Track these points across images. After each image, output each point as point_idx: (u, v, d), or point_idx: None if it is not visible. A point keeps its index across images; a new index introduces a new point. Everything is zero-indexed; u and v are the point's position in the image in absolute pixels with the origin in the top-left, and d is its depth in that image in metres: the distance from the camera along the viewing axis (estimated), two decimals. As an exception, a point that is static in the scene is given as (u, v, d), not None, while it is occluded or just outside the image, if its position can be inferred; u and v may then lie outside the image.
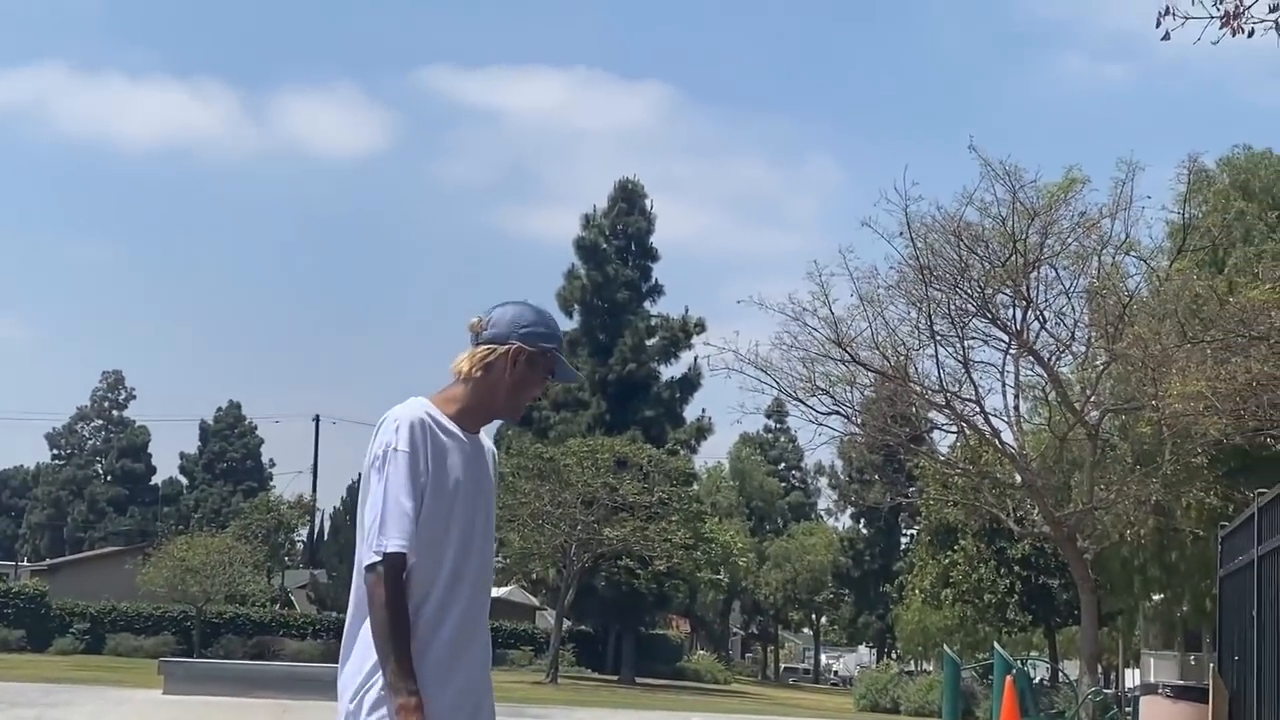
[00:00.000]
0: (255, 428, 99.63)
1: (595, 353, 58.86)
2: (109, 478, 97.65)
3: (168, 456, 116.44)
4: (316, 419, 74.79)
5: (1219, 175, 31.76)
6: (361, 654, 3.57)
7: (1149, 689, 15.21)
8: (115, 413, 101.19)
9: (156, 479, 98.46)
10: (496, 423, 4.13)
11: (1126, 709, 25.92)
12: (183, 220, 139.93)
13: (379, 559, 3.51)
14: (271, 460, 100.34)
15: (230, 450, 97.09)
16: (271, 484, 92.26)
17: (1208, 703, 13.21)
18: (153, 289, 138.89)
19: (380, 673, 3.48)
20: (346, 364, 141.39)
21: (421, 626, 3.54)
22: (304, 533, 74.42)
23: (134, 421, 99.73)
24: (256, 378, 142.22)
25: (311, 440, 75.89)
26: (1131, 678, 43.56)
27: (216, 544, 53.08)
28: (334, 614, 54.79)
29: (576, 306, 60.27)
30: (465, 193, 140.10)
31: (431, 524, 3.57)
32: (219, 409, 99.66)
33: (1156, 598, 33.57)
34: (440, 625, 3.58)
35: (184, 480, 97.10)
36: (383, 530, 3.52)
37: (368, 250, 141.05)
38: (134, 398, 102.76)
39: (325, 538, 63.95)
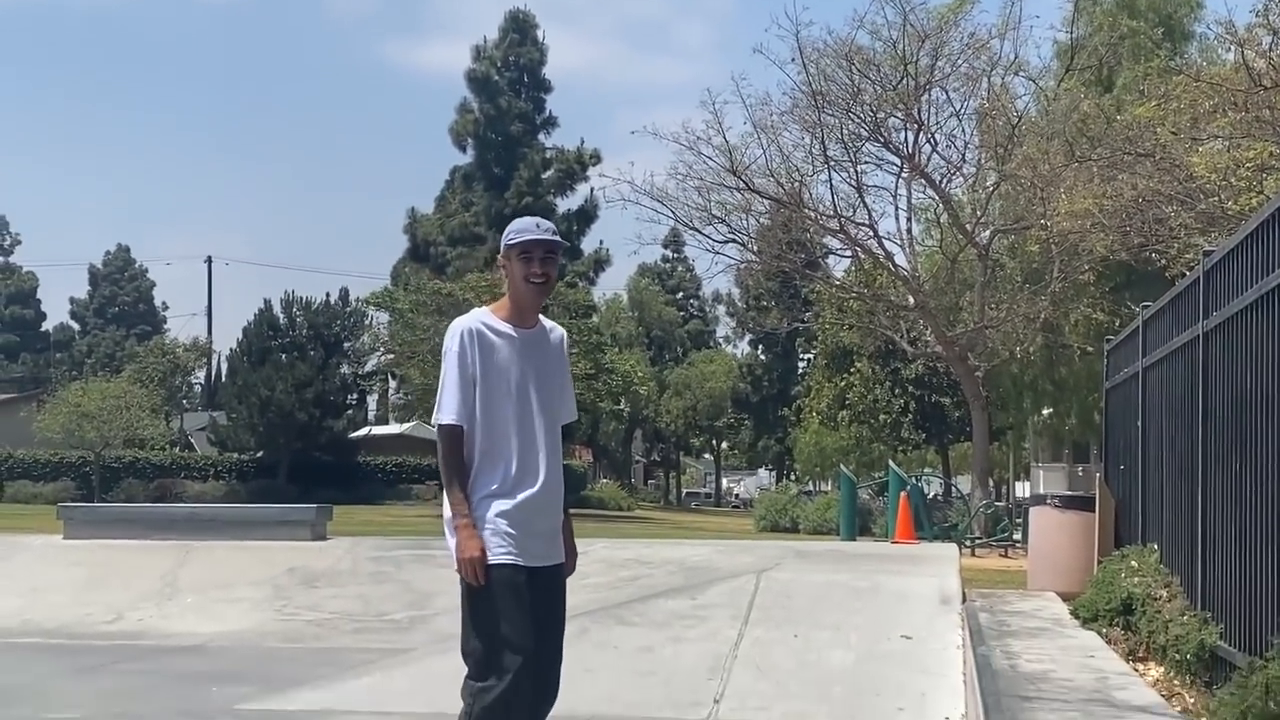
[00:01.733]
0: (146, 271, 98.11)
1: (490, 186, 58.33)
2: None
3: (58, 302, 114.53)
4: (209, 260, 73.85)
5: (1105, -5, 31.84)
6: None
7: (1038, 500, 15.65)
8: (1, 259, 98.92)
9: (47, 325, 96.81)
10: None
11: (1017, 520, 26.70)
12: (62, 59, 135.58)
13: (437, 428, 4.89)
14: (164, 303, 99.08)
15: (121, 294, 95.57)
16: (165, 327, 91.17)
17: (1094, 510, 13.65)
18: (34, 130, 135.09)
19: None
20: (238, 203, 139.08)
21: (487, 473, 4.84)
22: (201, 375, 73.87)
23: (21, 267, 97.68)
24: (145, 220, 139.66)
25: (205, 282, 74.92)
26: (1022, 490, 44.86)
27: (112, 389, 52.49)
28: (235, 455, 54.59)
29: (470, 140, 59.54)
30: (353, 24, 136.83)
31: (488, 399, 4.85)
32: (108, 252, 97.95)
33: (1046, 412, 34.41)
34: (506, 469, 4.84)
35: (75, 326, 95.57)
36: (437, 408, 4.90)
37: (256, 86, 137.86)
38: (19, 243, 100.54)
39: (223, 379, 63.43)
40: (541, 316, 5.07)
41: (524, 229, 4.95)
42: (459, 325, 4.94)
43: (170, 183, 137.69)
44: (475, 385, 4.84)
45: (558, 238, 5.02)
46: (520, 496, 4.81)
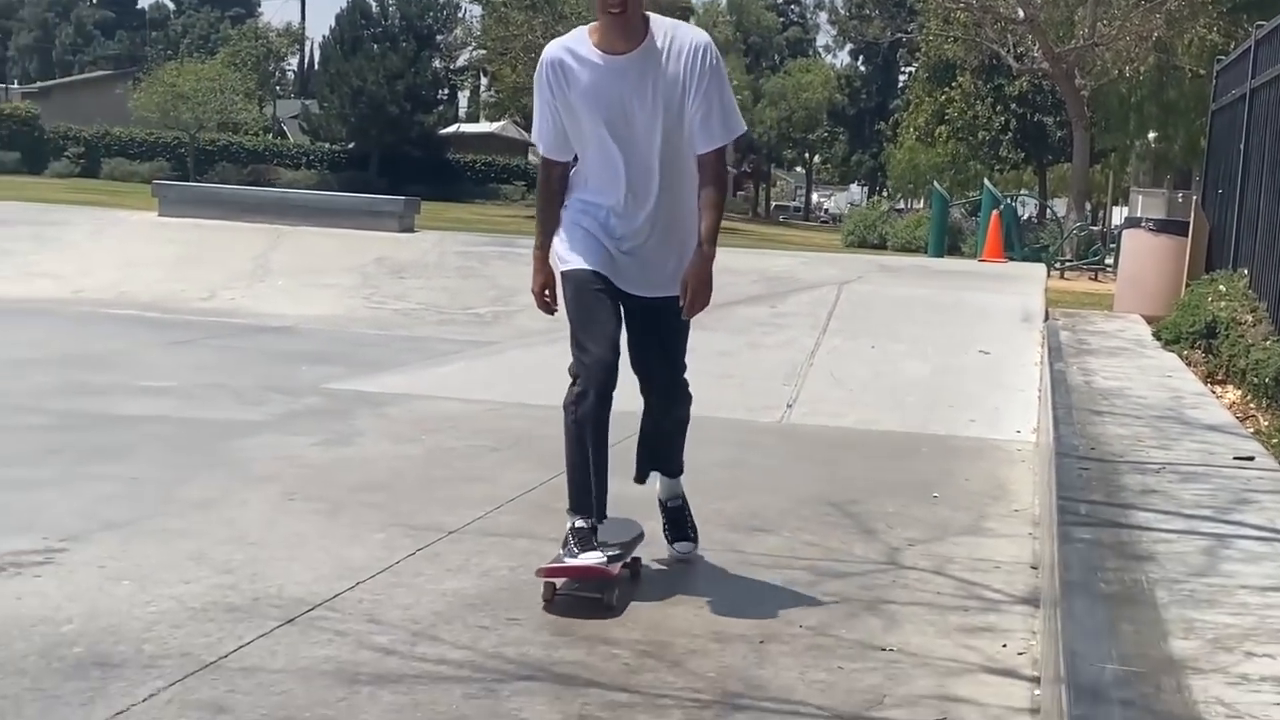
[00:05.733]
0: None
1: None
2: (94, 0, 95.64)
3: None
4: (304, -57, 72.77)
5: None
6: None
7: (1132, 223, 15.41)
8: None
9: (143, 3, 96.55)
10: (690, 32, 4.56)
11: (1111, 244, 26.39)
12: None
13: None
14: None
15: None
16: (259, 11, 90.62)
17: (1188, 235, 13.43)
18: None
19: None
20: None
21: (577, 193, 4.63)
22: (294, 62, 73.71)
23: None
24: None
25: (299, -33, 73.98)
26: (1119, 215, 44.19)
27: (207, 71, 52.63)
28: (327, 145, 54.82)
29: None
30: None
31: (572, 129, 4.55)
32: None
33: (1151, 136, 33.59)
34: (589, 189, 4.60)
35: (170, 5, 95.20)
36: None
37: None
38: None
39: (315, 67, 63.23)
40: (662, 28, 4.44)
41: None
42: (543, 55, 4.58)
43: None
44: (559, 115, 4.54)
45: None
46: (601, 217, 4.57)
